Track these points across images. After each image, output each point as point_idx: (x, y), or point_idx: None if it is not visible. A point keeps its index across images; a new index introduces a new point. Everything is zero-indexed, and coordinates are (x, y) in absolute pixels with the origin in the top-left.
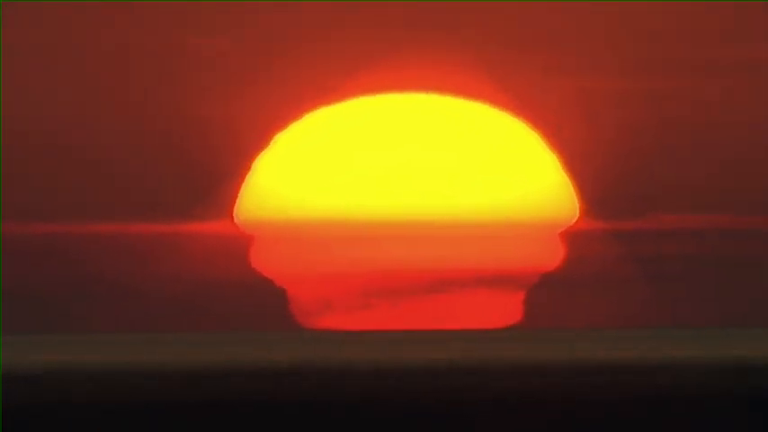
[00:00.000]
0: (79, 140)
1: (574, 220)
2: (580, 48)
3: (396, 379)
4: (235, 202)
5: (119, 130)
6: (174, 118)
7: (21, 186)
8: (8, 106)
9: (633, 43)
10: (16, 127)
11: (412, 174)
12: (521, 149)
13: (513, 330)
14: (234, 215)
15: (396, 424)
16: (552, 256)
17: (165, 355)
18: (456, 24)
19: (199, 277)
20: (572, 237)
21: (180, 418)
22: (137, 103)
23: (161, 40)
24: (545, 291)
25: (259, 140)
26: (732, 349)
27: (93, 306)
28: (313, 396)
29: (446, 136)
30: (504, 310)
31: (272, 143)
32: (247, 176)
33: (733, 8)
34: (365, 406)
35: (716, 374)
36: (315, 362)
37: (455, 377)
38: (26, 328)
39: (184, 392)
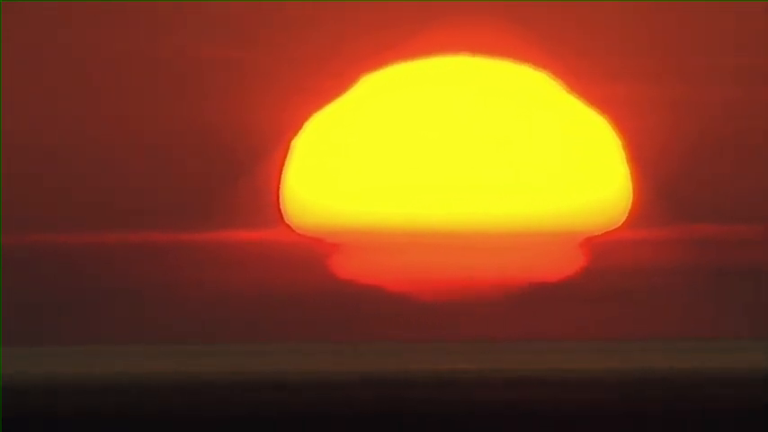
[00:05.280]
0: (83, 147)
1: (624, 228)
2: (673, 54)
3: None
4: (243, 211)
5: (123, 135)
6: (182, 123)
7: (35, 195)
8: (10, 109)
9: (722, 51)
10: (28, 131)
11: (463, 176)
12: (593, 149)
13: (552, 342)
14: (246, 223)
15: None
16: (599, 266)
17: (193, 366)
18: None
19: (224, 287)
20: (627, 246)
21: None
22: (141, 107)
23: (166, 44)
24: (587, 301)
25: (275, 143)
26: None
27: (116, 317)
28: (351, 407)
29: (520, 127)
30: (534, 322)
31: (292, 144)
32: (281, 180)
33: None
34: (414, 416)
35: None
36: (346, 372)
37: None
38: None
39: (193, 403)
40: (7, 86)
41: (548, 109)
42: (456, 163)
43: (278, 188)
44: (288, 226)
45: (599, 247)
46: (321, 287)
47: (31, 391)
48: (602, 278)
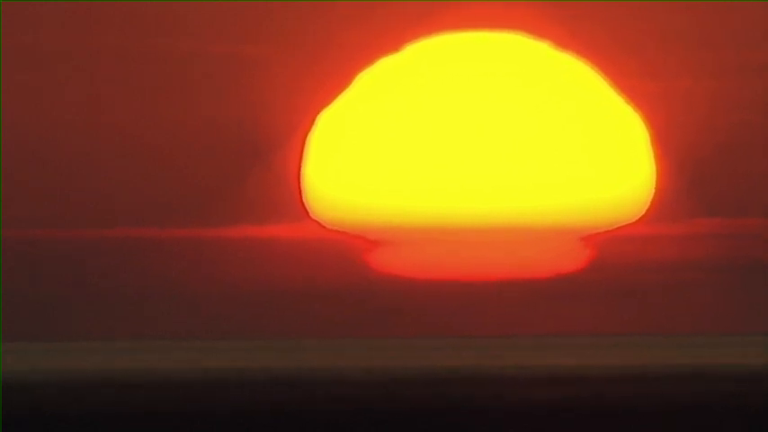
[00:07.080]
0: (96, 146)
1: (646, 223)
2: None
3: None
4: (255, 207)
5: (137, 133)
6: (186, 121)
7: (54, 192)
8: (11, 109)
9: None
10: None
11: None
12: (620, 143)
13: (575, 338)
14: (260, 220)
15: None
16: (623, 261)
17: (215, 363)
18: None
19: (246, 283)
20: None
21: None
22: (145, 105)
23: (167, 41)
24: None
25: (288, 139)
26: None
27: (134, 313)
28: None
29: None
30: (552, 318)
31: (307, 140)
32: (301, 175)
33: None
34: (430, 411)
35: None
36: (361, 369)
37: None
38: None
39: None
40: (7, 82)
41: (579, 100)
42: (478, 155)
43: (298, 184)
44: (313, 221)
45: (621, 241)
46: (343, 282)
47: (32, 387)
48: (625, 273)
